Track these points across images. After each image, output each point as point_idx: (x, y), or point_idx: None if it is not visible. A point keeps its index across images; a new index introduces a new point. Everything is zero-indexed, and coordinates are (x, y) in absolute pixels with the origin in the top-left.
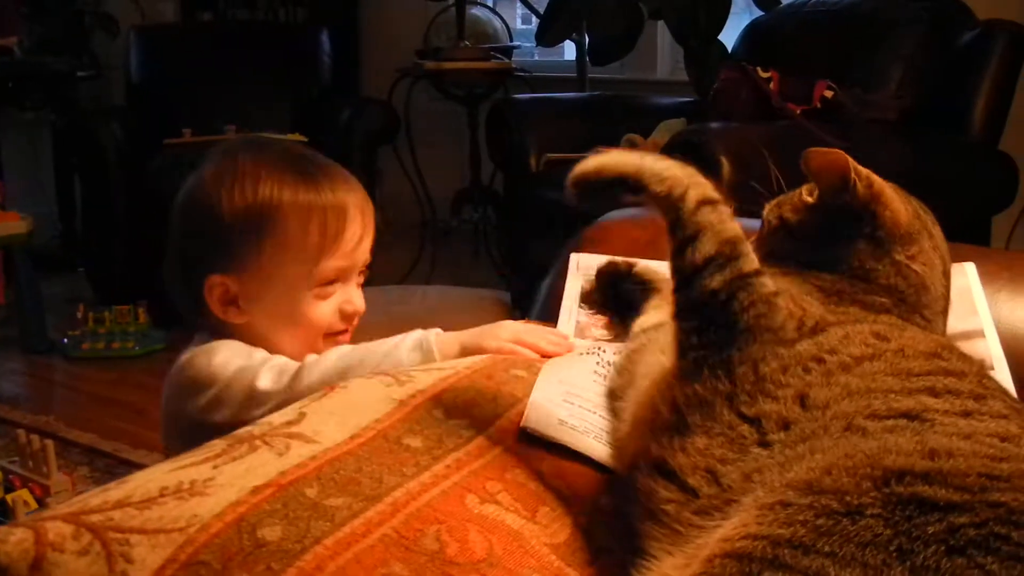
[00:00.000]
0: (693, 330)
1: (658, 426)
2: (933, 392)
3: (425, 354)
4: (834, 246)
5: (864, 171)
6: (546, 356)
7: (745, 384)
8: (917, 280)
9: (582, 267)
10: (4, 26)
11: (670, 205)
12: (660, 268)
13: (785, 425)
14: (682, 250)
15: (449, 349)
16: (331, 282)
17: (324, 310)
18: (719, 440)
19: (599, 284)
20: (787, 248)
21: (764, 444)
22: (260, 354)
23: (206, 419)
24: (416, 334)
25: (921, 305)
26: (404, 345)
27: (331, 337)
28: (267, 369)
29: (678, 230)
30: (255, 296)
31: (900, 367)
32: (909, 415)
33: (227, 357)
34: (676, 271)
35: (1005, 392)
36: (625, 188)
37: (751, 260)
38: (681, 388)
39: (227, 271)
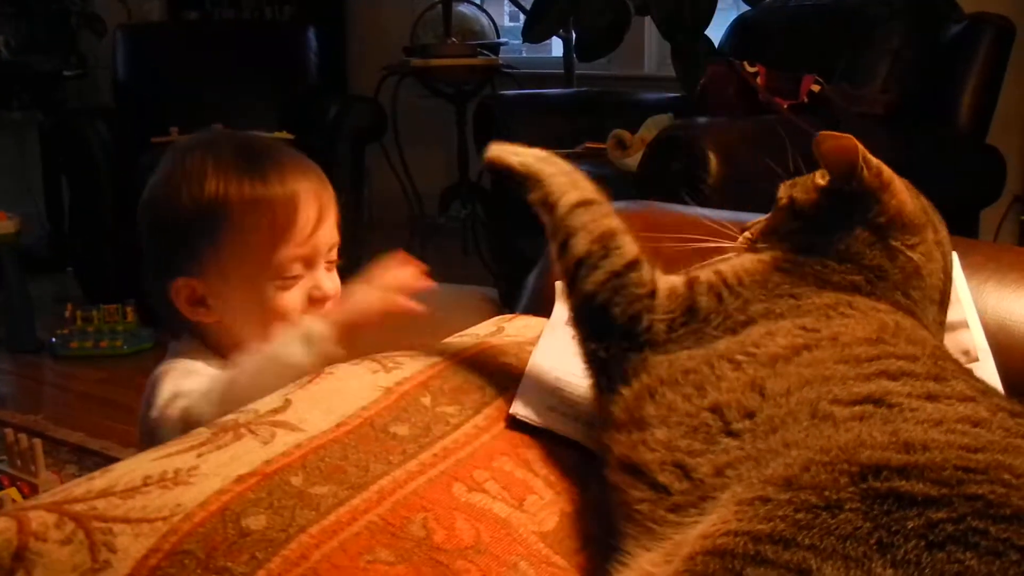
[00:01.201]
0: (586, 339)
1: (613, 425)
2: (889, 375)
3: (314, 344)
4: (832, 230)
5: (875, 160)
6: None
7: (676, 375)
8: (910, 266)
9: None
10: None
11: (545, 210)
12: None
13: (748, 414)
14: (560, 253)
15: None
16: (294, 276)
17: (291, 299)
18: (681, 430)
19: None
20: (790, 228)
21: (731, 433)
22: (200, 380)
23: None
24: (303, 327)
25: (909, 287)
26: (290, 340)
27: None
28: (200, 398)
29: (555, 233)
30: (221, 295)
31: (844, 354)
32: (872, 399)
33: (173, 387)
34: (562, 274)
35: (966, 372)
36: (518, 183)
37: (624, 253)
38: (625, 387)
39: (190, 273)
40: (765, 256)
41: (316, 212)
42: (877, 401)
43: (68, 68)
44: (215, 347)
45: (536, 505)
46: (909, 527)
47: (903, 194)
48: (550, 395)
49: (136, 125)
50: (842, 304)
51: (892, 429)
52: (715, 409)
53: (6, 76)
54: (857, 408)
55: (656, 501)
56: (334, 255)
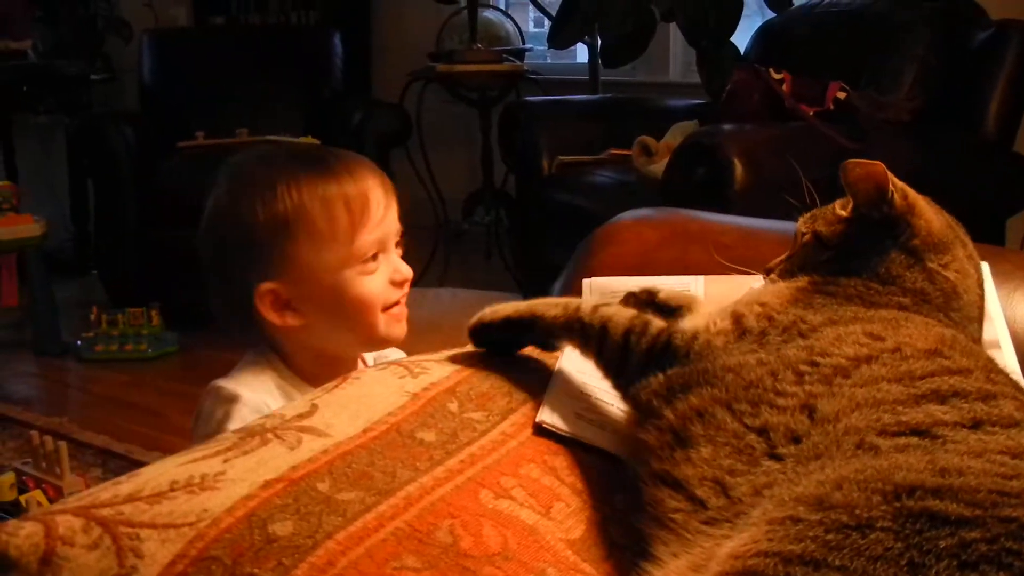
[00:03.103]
0: (653, 381)
1: (651, 446)
2: (939, 396)
3: None
4: (867, 256)
5: (900, 183)
6: None
7: (737, 391)
8: (948, 286)
9: (595, 291)
10: (18, 30)
11: (569, 319)
12: (685, 286)
13: (795, 438)
14: (600, 348)
15: None
16: (373, 257)
17: (375, 284)
18: (726, 450)
19: None
20: (820, 260)
21: (774, 457)
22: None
23: None
24: None
25: (950, 309)
26: None
27: (389, 311)
28: None
29: (587, 335)
30: (306, 294)
31: (901, 370)
32: (919, 430)
33: (222, 413)
34: (607, 368)
35: (1016, 387)
36: (519, 328)
37: (658, 322)
38: (670, 409)
39: (272, 278)
40: (800, 282)
41: (383, 196)
42: (922, 433)
43: (94, 72)
44: (292, 355)
45: (563, 512)
46: (942, 547)
47: (928, 213)
48: (577, 402)
49: (162, 129)
50: (901, 318)
51: (931, 458)
52: (762, 431)
53: (33, 80)
54: (901, 440)
55: (691, 513)
56: (400, 243)
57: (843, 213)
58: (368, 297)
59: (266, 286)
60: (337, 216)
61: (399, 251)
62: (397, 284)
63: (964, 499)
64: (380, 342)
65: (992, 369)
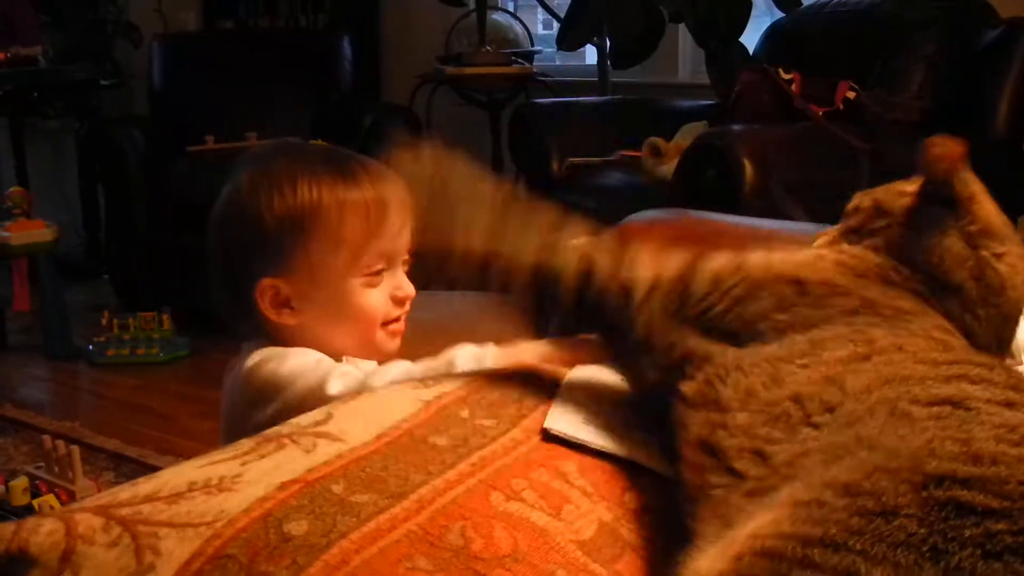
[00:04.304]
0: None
1: (687, 403)
2: (969, 379)
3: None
4: (927, 235)
5: (970, 172)
6: None
7: (742, 365)
8: (995, 279)
9: None
10: (28, 36)
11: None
12: None
13: (829, 408)
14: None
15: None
16: (379, 271)
17: (377, 298)
18: (762, 417)
19: None
20: (876, 227)
21: (811, 425)
22: (326, 360)
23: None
24: (470, 348)
25: (986, 304)
26: (462, 356)
27: (387, 327)
28: (337, 376)
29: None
30: (307, 295)
31: (920, 357)
32: (952, 401)
33: (295, 364)
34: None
35: None
36: None
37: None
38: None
39: (276, 274)
40: (870, 247)
41: (401, 215)
42: (956, 403)
43: (104, 77)
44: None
45: (573, 514)
46: (966, 535)
47: (991, 205)
48: (584, 409)
49: (171, 134)
50: (902, 323)
51: (965, 437)
52: (796, 399)
53: (44, 85)
54: (935, 408)
55: (730, 487)
56: (407, 261)
57: (909, 188)
58: (368, 309)
59: (268, 281)
60: (352, 221)
61: (405, 267)
62: (398, 301)
63: (992, 490)
64: (373, 353)
65: (1012, 370)
